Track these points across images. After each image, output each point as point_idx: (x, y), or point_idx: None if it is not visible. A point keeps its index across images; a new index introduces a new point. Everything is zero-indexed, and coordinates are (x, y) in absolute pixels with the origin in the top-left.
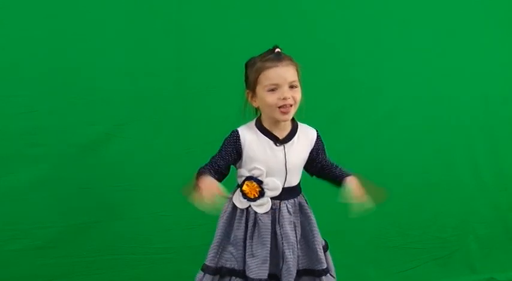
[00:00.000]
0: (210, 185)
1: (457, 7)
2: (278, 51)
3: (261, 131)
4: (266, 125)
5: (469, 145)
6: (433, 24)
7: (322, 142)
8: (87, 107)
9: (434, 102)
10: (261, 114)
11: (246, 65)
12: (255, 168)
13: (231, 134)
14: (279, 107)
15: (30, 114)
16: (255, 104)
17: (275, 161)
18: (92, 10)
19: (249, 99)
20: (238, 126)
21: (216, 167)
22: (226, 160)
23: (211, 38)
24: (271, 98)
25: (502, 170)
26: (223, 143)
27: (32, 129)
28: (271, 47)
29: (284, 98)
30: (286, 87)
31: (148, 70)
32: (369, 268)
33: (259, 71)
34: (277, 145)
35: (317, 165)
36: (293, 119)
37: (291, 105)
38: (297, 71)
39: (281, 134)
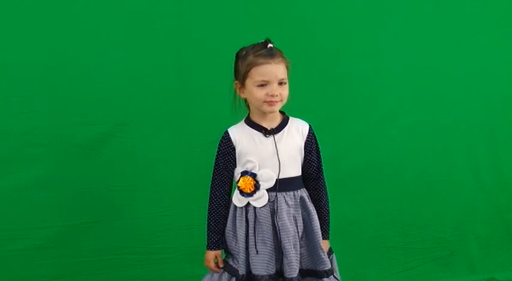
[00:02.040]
0: (208, 263)
1: (455, 7)
2: (270, 47)
3: (250, 125)
4: (255, 118)
5: (469, 144)
6: (433, 24)
7: (315, 139)
8: (87, 107)
9: (434, 102)
10: (250, 111)
11: (237, 56)
12: (247, 161)
13: (222, 137)
14: (266, 101)
15: (31, 114)
16: (243, 96)
17: (266, 152)
18: (91, 10)
19: (237, 90)
20: (228, 127)
21: (223, 192)
22: (227, 171)
23: (211, 38)
24: (260, 94)
25: (502, 170)
26: (218, 151)
27: (32, 129)
28: (263, 40)
29: (272, 95)
30: (275, 85)
31: (148, 70)
32: (369, 268)
33: (251, 66)
34: (267, 136)
35: (311, 172)
36: (284, 113)
37: (278, 101)
38: (287, 67)
39: (270, 126)
